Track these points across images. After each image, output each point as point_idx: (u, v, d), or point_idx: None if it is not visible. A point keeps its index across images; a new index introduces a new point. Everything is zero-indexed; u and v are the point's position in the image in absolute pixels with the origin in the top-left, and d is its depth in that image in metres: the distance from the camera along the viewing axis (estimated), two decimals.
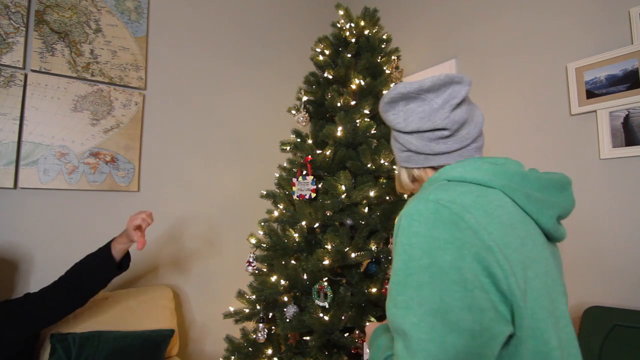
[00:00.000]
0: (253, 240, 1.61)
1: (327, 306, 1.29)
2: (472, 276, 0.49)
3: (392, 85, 1.62)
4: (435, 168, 0.69)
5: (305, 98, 1.63)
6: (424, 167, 0.69)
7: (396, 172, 0.77)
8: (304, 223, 1.43)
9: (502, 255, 0.50)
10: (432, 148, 0.65)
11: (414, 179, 0.72)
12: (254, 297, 1.56)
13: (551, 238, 0.64)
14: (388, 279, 1.34)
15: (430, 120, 0.64)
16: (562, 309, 0.58)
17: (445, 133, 0.64)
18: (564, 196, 0.64)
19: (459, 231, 0.51)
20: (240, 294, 1.63)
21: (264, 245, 1.55)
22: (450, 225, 0.51)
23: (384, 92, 1.58)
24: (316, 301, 1.31)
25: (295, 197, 1.51)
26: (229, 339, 1.65)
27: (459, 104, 0.64)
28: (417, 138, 0.66)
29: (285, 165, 1.68)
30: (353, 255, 1.32)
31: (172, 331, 1.69)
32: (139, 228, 1.28)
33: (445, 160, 0.66)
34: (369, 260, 1.40)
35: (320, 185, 1.49)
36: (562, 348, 0.53)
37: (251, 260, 1.62)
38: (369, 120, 1.47)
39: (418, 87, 0.64)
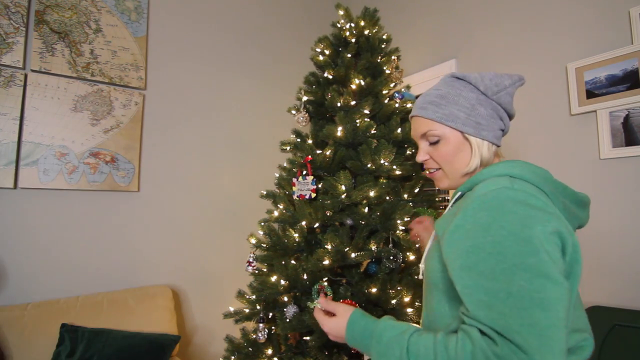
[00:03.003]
0: (253, 240, 1.61)
1: None
2: (553, 242, 0.58)
3: (392, 85, 1.62)
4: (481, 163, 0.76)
5: (305, 98, 1.63)
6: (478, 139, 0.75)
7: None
8: (304, 223, 1.43)
9: (567, 229, 0.61)
10: (490, 125, 0.74)
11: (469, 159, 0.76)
12: (254, 297, 1.56)
13: None
14: (388, 279, 1.34)
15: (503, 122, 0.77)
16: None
17: (504, 130, 0.78)
18: (585, 213, 0.76)
19: (551, 211, 0.61)
20: (240, 294, 1.63)
21: (264, 245, 1.55)
22: (542, 204, 0.61)
23: (384, 92, 1.58)
24: (316, 301, 1.31)
25: (295, 197, 1.51)
26: (229, 339, 1.65)
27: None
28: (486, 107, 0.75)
29: (285, 165, 1.68)
30: (353, 255, 1.32)
31: (178, 337, 1.70)
32: None
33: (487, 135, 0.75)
34: (369, 260, 1.40)
35: (320, 185, 1.49)
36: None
37: (251, 260, 1.62)
38: (369, 120, 1.47)
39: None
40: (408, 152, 1.58)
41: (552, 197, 0.66)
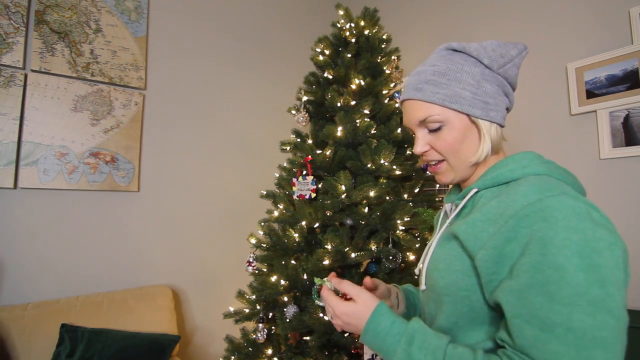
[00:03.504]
0: (253, 240, 1.61)
1: None
2: (625, 271, 0.49)
3: (392, 85, 1.62)
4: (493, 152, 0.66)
5: (305, 98, 1.63)
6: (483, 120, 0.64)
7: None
8: (304, 223, 1.43)
9: (626, 247, 0.52)
10: (497, 100, 0.64)
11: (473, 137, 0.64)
12: (254, 297, 1.56)
13: None
14: (389, 280, 1.34)
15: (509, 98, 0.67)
16: None
17: (509, 109, 0.67)
18: None
19: (613, 229, 0.51)
20: (240, 294, 1.63)
21: (264, 245, 1.55)
22: (604, 220, 0.50)
23: (384, 92, 1.58)
24: (316, 301, 1.31)
25: (295, 197, 1.51)
26: (229, 339, 1.65)
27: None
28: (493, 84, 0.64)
29: (285, 165, 1.68)
30: (353, 255, 1.32)
31: (178, 337, 1.70)
32: None
33: (495, 116, 0.64)
34: (369, 260, 1.40)
35: (320, 185, 1.49)
36: None
37: (251, 260, 1.62)
38: (369, 120, 1.47)
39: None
40: (408, 152, 1.58)
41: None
